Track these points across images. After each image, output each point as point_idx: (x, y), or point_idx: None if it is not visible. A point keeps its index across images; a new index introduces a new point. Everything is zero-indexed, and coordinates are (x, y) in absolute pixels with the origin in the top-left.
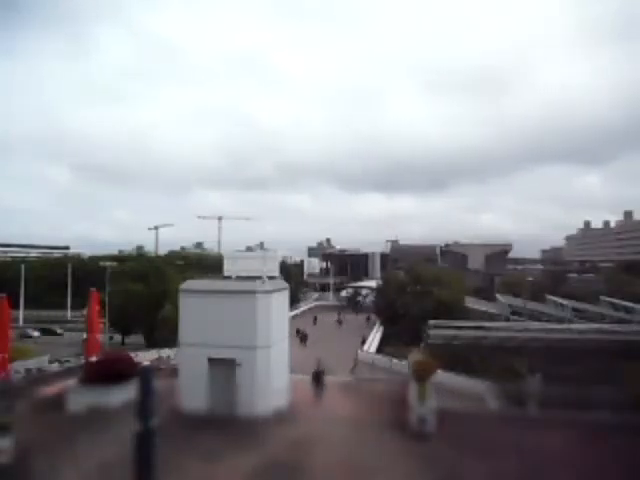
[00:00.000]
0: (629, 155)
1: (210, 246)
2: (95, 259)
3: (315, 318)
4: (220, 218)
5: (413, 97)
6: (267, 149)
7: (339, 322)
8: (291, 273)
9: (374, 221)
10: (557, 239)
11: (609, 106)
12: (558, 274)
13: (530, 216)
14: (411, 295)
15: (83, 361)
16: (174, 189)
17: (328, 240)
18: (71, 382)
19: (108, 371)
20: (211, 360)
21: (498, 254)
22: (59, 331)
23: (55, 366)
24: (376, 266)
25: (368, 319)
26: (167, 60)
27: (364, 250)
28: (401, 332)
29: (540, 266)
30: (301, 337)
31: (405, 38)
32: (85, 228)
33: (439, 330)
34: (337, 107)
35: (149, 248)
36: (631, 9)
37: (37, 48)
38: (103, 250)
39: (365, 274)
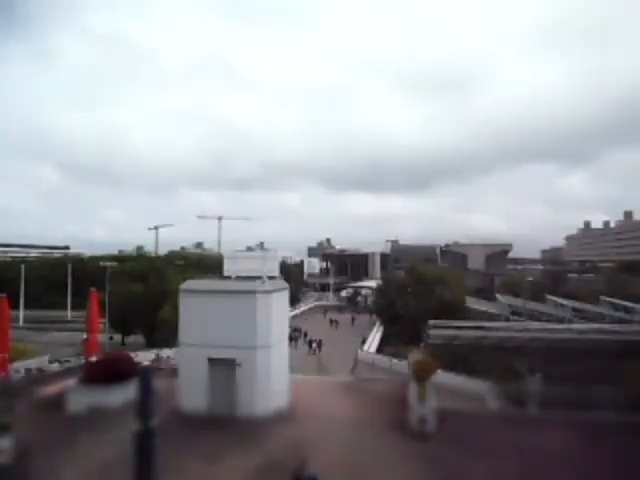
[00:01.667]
0: (611, 154)
1: (210, 246)
2: (95, 259)
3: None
4: (220, 218)
5: (394, 99)
6: (251, 150)
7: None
8: (291, 273)
9: (364, 221)
10: (546, 240)
11: (589, 106)
12: (558, 274)
13: (519, 216)
14: (412, 295)
15: (83, 361)
16: (161, 190)
17: (328, 240)
18: (71, 382)
19: (108, 371)
20: (211, 360)
21: (498, 254)
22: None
23: (55, 366)
24: (376, 266)
25: (371, 314)
26: (138, 63)
27: (364, 250)
28: (401, 332)
29: (540, 266)
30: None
31: (382, 40)
32: (77, 228)
33: (439, 330)
34: (316, 109)
35: (146, 248)
36: (609, 11)
37: (4, 52)
38: (99, 250)
39: (365, 274)
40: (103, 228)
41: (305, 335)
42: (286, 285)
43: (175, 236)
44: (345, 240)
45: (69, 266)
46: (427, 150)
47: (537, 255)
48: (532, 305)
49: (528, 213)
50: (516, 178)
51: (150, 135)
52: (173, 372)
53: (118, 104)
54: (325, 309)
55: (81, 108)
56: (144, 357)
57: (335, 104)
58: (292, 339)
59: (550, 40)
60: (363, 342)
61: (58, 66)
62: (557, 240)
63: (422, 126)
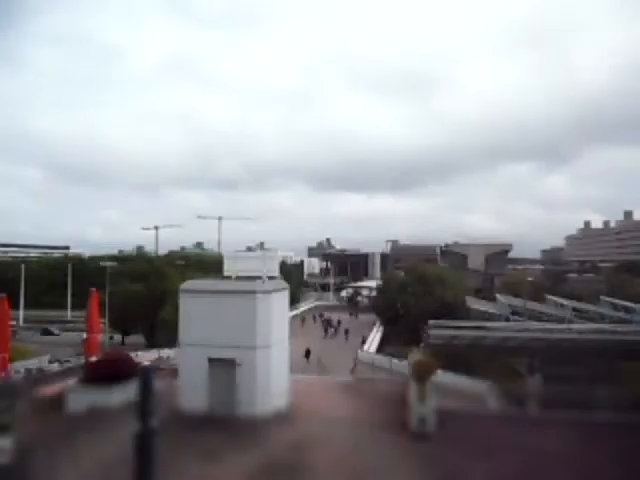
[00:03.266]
0: (593, 154)
1: (208, 246)
2: (95, 259)
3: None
4: (220, 218)
5: (375, 100)
6: (234, 150)
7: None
8: (291, 273)
9: (360, 221)
10: (544, 239)
11: (571, 105)
12: (558, 274)
13: (513, 216)
14: (412, 295)
15: (83, 361)
16: (151, 190)
17: (328, 240)
18: (71, 382)
19: (108, 371)
20: (211, 360)
21: (498, 254)
22: (56, 332)
23: (55, 366)
24: (376, 266)
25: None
26: (109, 66)
27: (364, 250)
28: (401, 332)
29: (540, 266)
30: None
31: (359, 40)
32: (72, 229)
33: (439, 330)
34: (300, 110)
35: (142, 248)
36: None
37: None
38: (96, 251)
39: (365, 274)
40: (98, 228)
41: (339, 323)
42: (286, 285)
43: (171, 236)
44: (341, 240)
45: (69, 266)
46: (416, 150)
47: (537, 255)
48: (532, 305)
49: (523, 213)
50: (507, 178)
51: (135, 136)
52: (173, 372)
53: (100, 106)
54: (351, 312)
55: (64, 110)
56: (144, 357)
57: (314, 105)
58: (328, 326)
59: (524, 39)
60: (363, 342)
61: (32, 71)
62: (555, 240)
63: (407, 127)
